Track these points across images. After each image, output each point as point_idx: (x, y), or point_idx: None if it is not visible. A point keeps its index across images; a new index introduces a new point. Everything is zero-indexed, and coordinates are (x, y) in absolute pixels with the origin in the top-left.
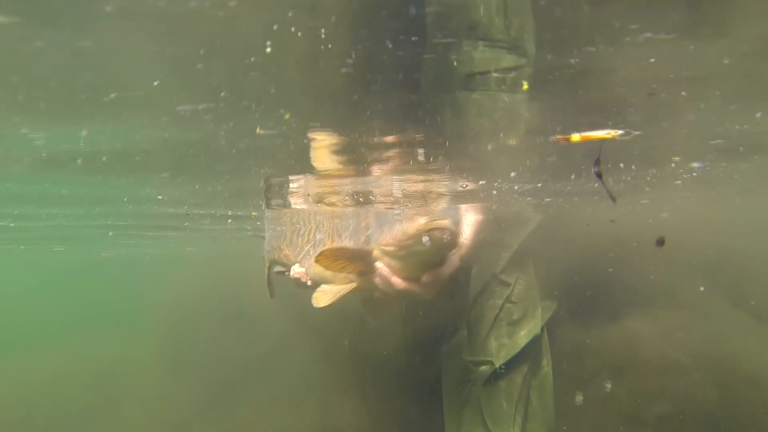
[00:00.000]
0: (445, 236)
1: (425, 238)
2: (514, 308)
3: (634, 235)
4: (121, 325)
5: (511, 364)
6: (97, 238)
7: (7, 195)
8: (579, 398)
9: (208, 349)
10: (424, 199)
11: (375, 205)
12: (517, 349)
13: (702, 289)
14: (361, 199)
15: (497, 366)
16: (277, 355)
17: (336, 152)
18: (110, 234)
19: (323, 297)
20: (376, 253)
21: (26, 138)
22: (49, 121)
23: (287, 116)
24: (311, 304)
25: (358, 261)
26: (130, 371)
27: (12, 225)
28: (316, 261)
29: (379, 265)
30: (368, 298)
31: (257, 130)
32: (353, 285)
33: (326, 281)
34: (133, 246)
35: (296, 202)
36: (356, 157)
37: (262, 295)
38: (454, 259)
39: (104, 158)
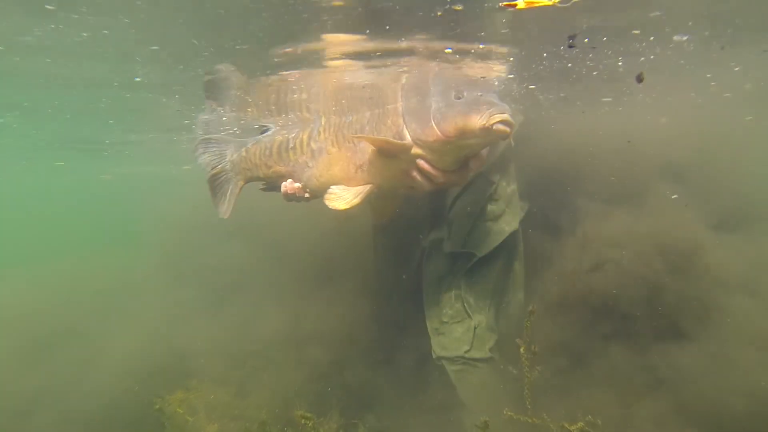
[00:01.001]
0: (509, 127)
1: (487, 132)
2: (496, 205)
3: (600, 140)
4: (124, 240)
5: (491, 257)
6: (97, 154)
7: (14, 80)
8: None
9: (206, 258)
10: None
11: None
12: (498, 242)
13: (674, 196)
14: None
15: (479, 256)
16: (267, 263)
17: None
18: (106, 142)
19: (339, 198)
20: (416, 150)
21: None
22: None
23: None
24: (292, 215)
25: (393, 152)
26: (135, 280)
27: (15, 126)
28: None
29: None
30: (379, 196)
31: None
32: (371, 186)
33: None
34: (131, 164)
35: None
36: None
37: (254, 209)
38: None
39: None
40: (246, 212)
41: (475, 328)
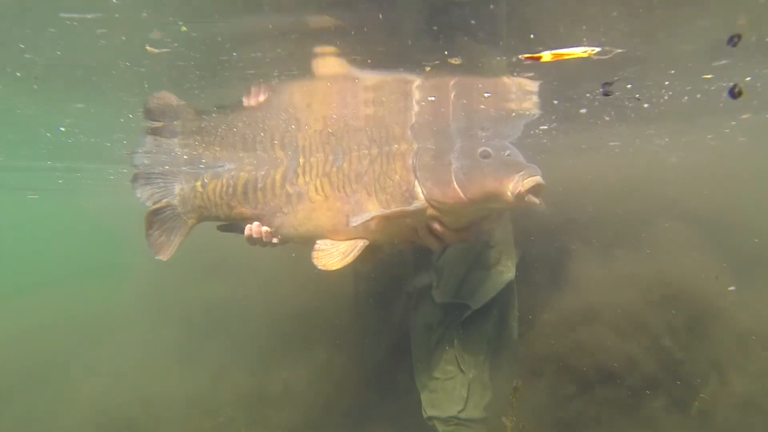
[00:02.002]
0: (542, 192)
1: (519, 199)
2: (492, 252)
3: (607, 184)
4: (102, 275)
5: (486, 308)
6: (68, 186)
7: None
8: None
9: (189, 297)
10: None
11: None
12: (494, 293)
13: (732, 288)
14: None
15: (474, 309)
16: (245, 304)
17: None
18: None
19: (329, 256)
20: (430, 211)
21: None
22: None
23: (183, 29)
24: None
25: (405, 219)
26: (112, 319)
27: None
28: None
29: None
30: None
31: (147, 48)
32: (364, 242)
33: (314, 239)
34: (111, 194)
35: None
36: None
37: (240, 245)
38: None
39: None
40: (224, 250)
41: (469, 385)
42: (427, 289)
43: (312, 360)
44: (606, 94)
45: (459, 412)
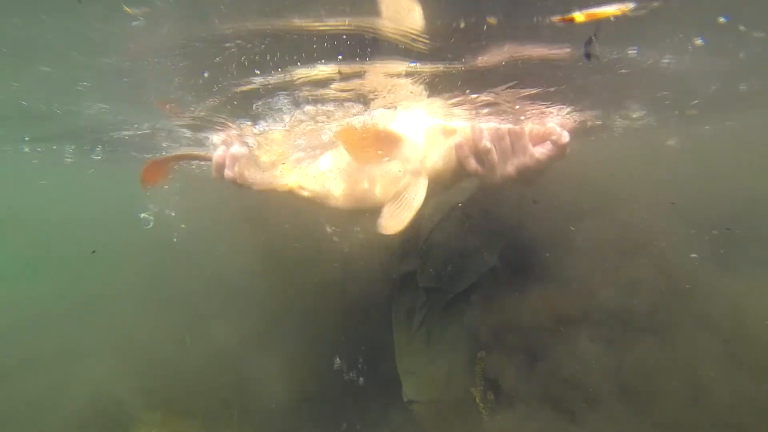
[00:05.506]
0: None
1: None
2: (475, 239)
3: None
4: (101, 260)
5: (467, 293)
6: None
7: None
8: None
9: (187, 279)
10: None
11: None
12: (476, 278)
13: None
14: None
15: (456, 293)
16: (243, 289)
17: None
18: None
19: (395, 219)
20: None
21: None
22: None
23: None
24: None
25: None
26: (111, 304)
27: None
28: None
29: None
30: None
31: None
32: (423, 179)
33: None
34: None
35: None
36: None
37: (236, 226)
38: None
39: None
40: (218, 234)
41: (449, 369)
42: (411, 274)
43: (296, 344)
44: (587, 55)
45: (439, 395)
